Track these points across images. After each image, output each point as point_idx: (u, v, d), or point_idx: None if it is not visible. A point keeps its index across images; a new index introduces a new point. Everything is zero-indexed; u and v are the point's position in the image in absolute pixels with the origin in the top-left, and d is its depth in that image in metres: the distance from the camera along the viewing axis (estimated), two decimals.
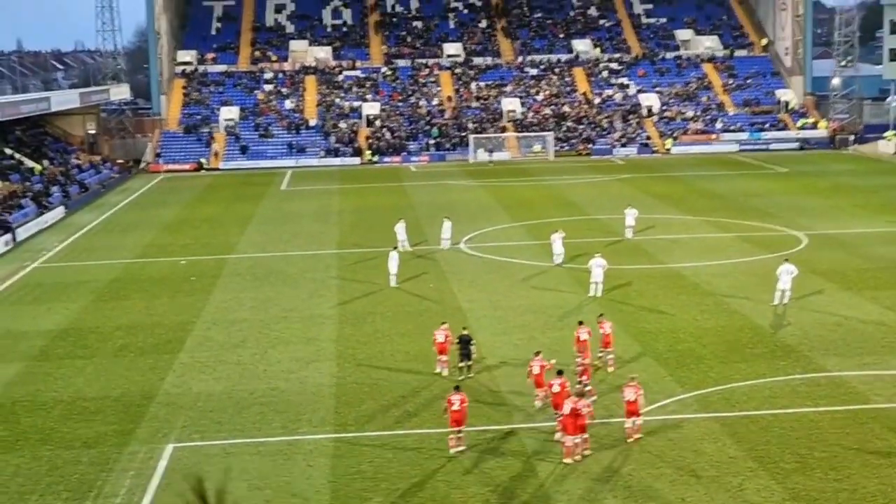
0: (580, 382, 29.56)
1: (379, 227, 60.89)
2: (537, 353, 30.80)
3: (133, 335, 39.59)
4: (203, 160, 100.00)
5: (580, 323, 33.59)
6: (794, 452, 26.36)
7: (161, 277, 50.25)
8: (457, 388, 28.01)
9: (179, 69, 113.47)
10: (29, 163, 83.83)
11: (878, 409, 29.40)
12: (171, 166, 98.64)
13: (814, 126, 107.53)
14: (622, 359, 34.31)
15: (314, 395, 31.81)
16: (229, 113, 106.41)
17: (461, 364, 32.98)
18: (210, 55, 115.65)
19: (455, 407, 26.77)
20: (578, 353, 32.15)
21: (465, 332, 33.54)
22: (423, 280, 47.34)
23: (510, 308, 41.85)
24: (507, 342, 36.84)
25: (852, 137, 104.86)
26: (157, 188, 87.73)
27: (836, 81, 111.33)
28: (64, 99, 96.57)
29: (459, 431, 26.96)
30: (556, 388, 27.91)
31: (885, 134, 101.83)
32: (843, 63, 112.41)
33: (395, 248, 49.19)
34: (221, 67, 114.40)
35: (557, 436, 27.05)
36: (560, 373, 28.65)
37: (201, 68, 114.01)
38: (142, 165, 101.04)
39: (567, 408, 26.18)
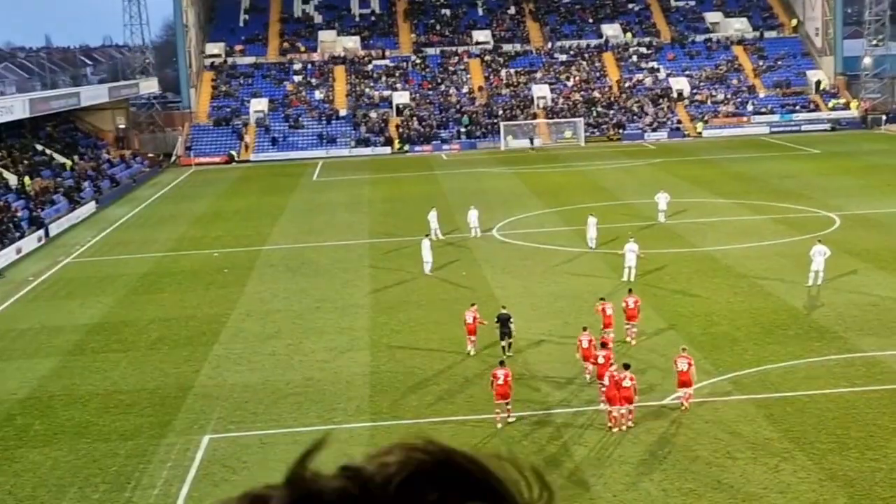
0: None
1: (411, 216, 60.94)
2: (585, 329, 31.82)
3: (167, 328, 39.85)
4: (234, 152, 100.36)
5: (602, 299, 35.01)
6: (830, 433, 26.25)
7: (194, 270, 50.52)
8: (501, 363, 29.19)
9: (208, 62, 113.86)
10: (60, 158, 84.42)
11: None
12: (201, 159, 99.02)
13: (845, 106, 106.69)
14: (656, 344, 34.24)
15: (349, 384, 31.93)
16: (259, 105, 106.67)
17: (502, 342, 33.79)
18: (238, 47, 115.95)
19: (500, 381, 27.70)
20: (604, 328, 33.41)
21: (505, 311, 34.36)
22: (456, 268, 47.38)
23: (543, 294, 41.83)
24: (541, 328, 36.81)
25: (884, 117, 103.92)
26: (188, 181, 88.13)
27: (867, 61, 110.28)
28: (93, 94, 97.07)
29: (507, 404, 27.95)
30: (600, 360, 29.16)
31: None
32: (874, 42, 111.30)
33: (428, 235, 49.36)
34: (250, 59, 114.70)
35: (602, 406, 28.09)
36: (604, 345, 30.15)
37: (230, 60, 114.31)
38: (172, 159, 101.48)
39: (607, 379, 27.60)
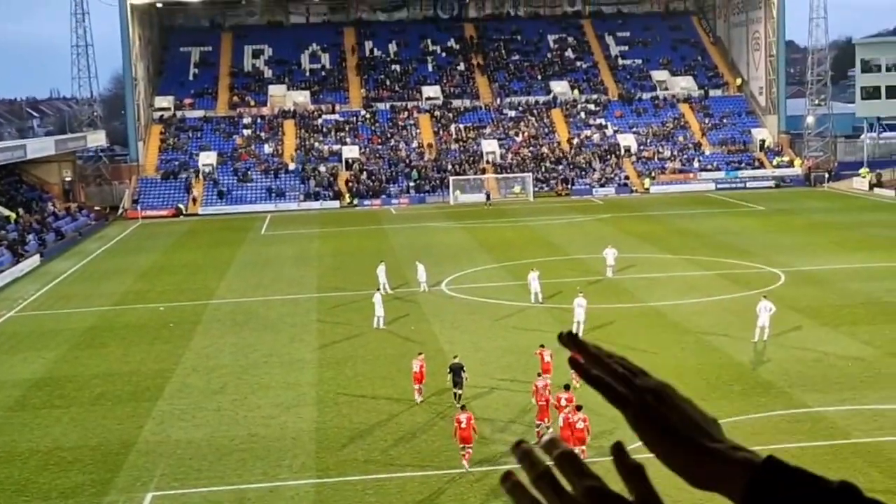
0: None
1: (359, 270, 60.82)
2: (539, 374, 32.86)
3: (111, 383, 39.32)
4: (181, 206, 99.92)
5: (542, 346, 35.56)
6: None
7: (139, 324, 50.00)
8: (463, 408, 29.86)
9: (157, 115, 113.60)
10: (4, 211, 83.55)
11: (859, 443, 29.44)
12: (148, 212, 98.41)
13: (789, 164, 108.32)
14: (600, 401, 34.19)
15: (295, 441, 31.63)
16: (208, 158, 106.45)
17: (454, 391, 34.36)
18: (188, 100, 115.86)
19: (463, 425, 28.44)
20: (542, 373, 33.62)
21: (456, 360, 35.04)
22: (405, 322, 47.26)
23: (492, 349, 41.79)
24: (489, 383, 36.73)
25: (827, 175, 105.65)
26: (135, 234, 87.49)
27: (810, 120, 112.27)
28: (40, 146, 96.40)
29: (467, 448, 28.52)
30: (563, 402, 29.74)
31: (860, 171, 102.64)
32: (816, 102, 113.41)
33: (379, 290, 49.36)
34: (199, 113, 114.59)
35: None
36: (567, 387, 30.38)
37: (179, 114, 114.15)
38: (119, 212, 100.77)
39: (561, 420, 28.59)
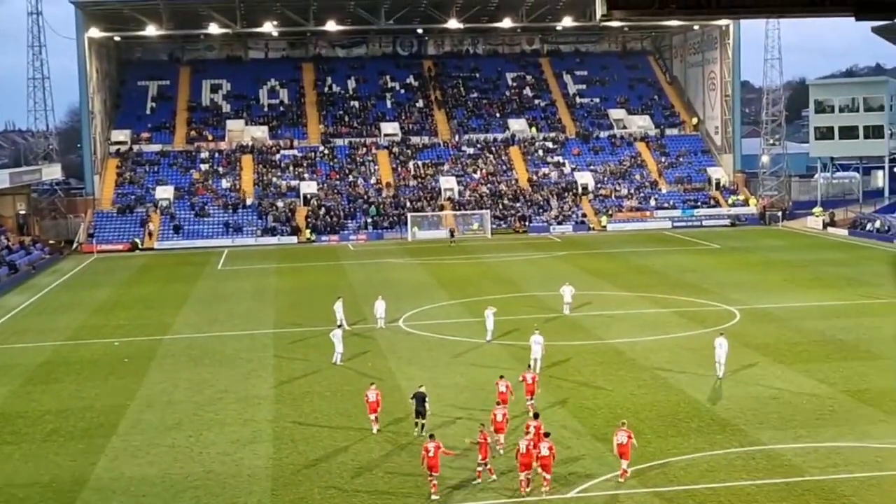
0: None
1: (317, 305, 60.64)
2: (498, 403, 34.04)
3: (64, 419, 38.85)
4: (137, 240, 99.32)
5: (501, 377, 36.04)
6: None
7: (93, 360, 49.50)
8: (431, 437, 29.99)
9: (113, 149, 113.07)
10: None
11: (813, 480, 29.59)
12: (104, 246, 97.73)
13: (744, 203, 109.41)
14: (560, 436, 34.25)
15: (250, 478, 31.36)
16: (164, 192, 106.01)
17: (417, 420, 34.97)
18: (145, 134, 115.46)
19: (430, 454, 28.92)
20: (498, 404, 34.54)
21: (421, 389, 35.40)
22: (363, 359, 47.10)
23: (449, 386, 41.70)
24: (445, 419, 36.63)
25: (781, 214, 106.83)
26: (90, 269, 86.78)
27: (764, 159, 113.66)
28: None
29: (435, 478, 28.93)
30: (530, 432, 30.37)
31: (814, 210, 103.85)
32: (771, 141, 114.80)
33: (340, 326, 49.24)
34: (156, 147, 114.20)
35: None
36: (536, 416, 32.03)
37: (136, 148, 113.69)
38: (74, 246, 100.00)
39: (523, 446, 29.15)
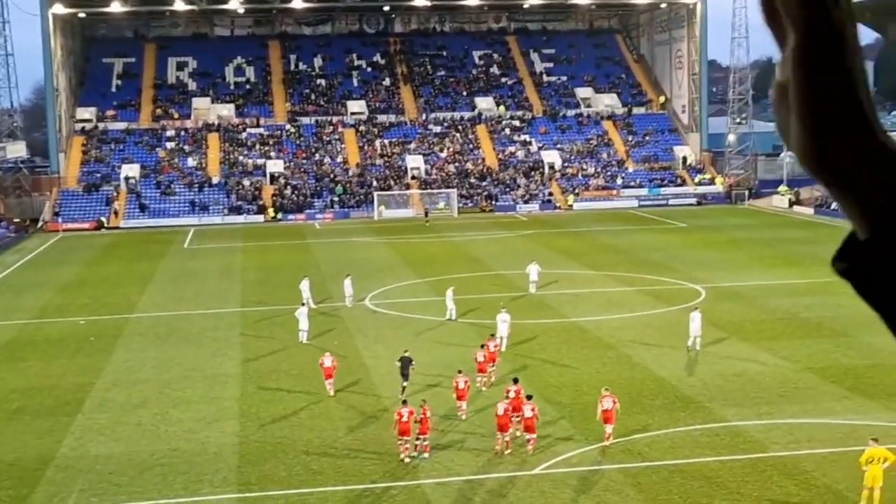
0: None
1: (283, 284, 60.56)
2: (460, 371, 35.38)
3: (29, 398, 38.70)
4: (103, 219, 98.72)
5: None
6: (695, 502, 26.69)
7: (59, 338, 49.27)
8: (404, 402, 31.61)
9: (78, 126, 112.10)
10: None
11: (776, 456, 29.94)
12: (69, 225, 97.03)
13: (711, 182, 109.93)
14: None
15: (216, 455, 31.39)
16: (130, 171, 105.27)
17: (403, 383, 36.80)
18: (110, 112, 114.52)
19: (404, 419, 30.12)
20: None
21: (407, 354, 37.80)
22: (329, 337, 47.11)
23: (416, 363, 41.75)
24: (413, 399, 36.72)
25: (747, 192, 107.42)
26: (55, 247, 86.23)
27: (731, 138, 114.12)
28: None
29: (406, 441, 30.14)
30: (511, 394, 32.20)
31: (779, 188, 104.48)
32: (737, 120, 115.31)
33: (304, 304, 49.24)
34: (122, 125, 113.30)
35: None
36: (516, 380, 33.66)
37: (101, 126, 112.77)
38: (39, 224, 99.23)
39: (501, 408, 30.86)
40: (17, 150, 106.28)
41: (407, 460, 29.82)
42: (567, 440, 31.74)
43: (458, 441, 31.82)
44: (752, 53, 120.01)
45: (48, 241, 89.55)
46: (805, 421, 33.28)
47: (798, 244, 74.66)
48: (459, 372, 35.04)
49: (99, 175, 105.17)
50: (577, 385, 38.04)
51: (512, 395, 32.22)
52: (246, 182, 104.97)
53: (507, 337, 43.46)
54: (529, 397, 31.66)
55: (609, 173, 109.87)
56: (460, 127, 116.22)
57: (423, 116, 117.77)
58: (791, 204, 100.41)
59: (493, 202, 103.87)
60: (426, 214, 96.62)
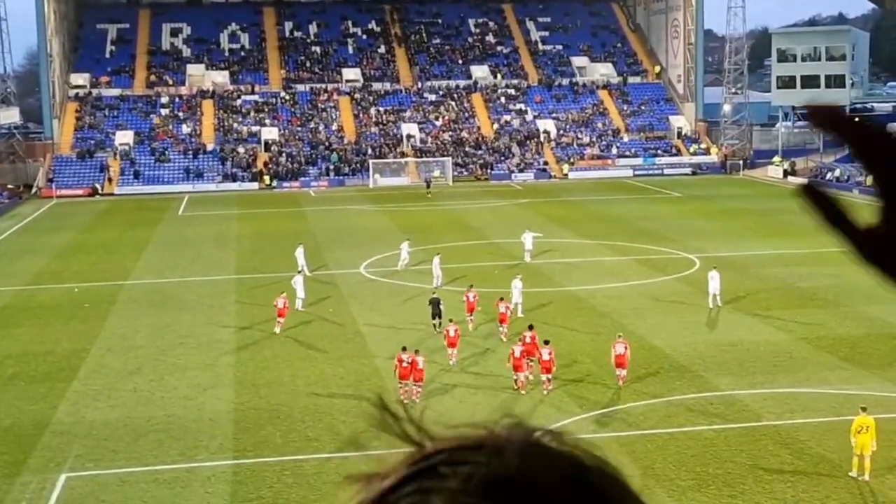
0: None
1: (278, 252, 60.48)
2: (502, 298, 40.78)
3: (24, 363, 38.69)
4: (97, 185, 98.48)
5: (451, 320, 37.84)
6: (689, 470, 26.80)
7: (54, 304, 49.23)
8: (404, 349, 33.40)
9: (72, 92, 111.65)
10: None
11: (770, 426, 30.04)
12: (63, 191, 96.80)
13: (706, 152, 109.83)
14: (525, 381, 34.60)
15: (212, 422, 31.44)
16: (124, 137, 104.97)
17: (433, 321, 40.75)
18: (104, 78, 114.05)
19: (404, 364, 32.47)
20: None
21: (435, 296, 42.31)
22: (324, 305, 47.12)
23: (411, 331, 41.82)
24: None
25: (742, 162, 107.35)
26: (49, 214, 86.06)
27: (726, 108, 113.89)
28: None
29: (406, 385, 32.46)
30: (527, 339, 34.76)
31: (774, 159, 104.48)
32: (733, 90, 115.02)
33: (300, 272, 49.23)
34: (116, 91, 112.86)
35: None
36: (531, 327, 36.11)
37: (95, 92, 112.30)
38: (33, 190, 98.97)
39: (517, 351, 33.44)
40: (11, 115, 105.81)
41: (406, 400, 31.38)
42: (561, 409, 31.82)
43: (452, 405, 31.87)
44: (748, 23, 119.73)
45: (42, 208, 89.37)
46: (799, 390, 33.39)
47: (793, 214, 74.25)
48: (451, 321, 38.16)
49: (93, 141, 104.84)
50: (571, 353, 38.06)
51: (528, 340, 34.59)
52: (240, 149, 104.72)
53: (521, 304, 43.84)
54: (546, 342, 33.74)
55: (604, 143, 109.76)
56: (455, 95, 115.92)
57: (419, 84, 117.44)
58: (786, 174, 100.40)
59: (489, 171, 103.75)
60: (428, 186, 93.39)
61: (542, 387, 33.24)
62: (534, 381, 33.89)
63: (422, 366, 32.89)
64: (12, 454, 29.13)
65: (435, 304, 41.21)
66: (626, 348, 33.98)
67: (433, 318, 40.89)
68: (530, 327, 36.17)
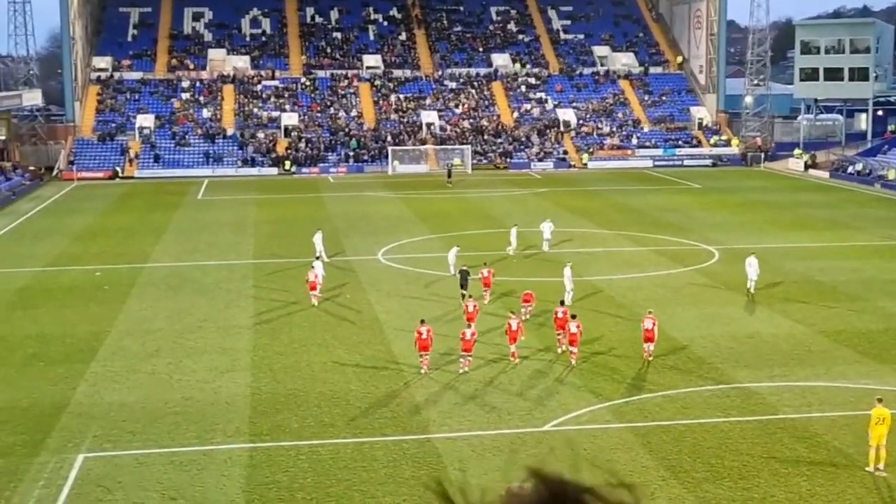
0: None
1: (296, 237, 60.62)
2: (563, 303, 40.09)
3: (44, 344, 38.92)
4: (118, 168, 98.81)
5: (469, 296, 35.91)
6: (705, 462, 26.78)
7: (73, 286, 49.48)
8: (422, 322, 34.96)
9: (94, 75, 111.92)
10: None
11: (787, 419, 29.98)
12: (84, 174, 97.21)
13: (726, 143, 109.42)
14: (539, 371, 34.59)
15: (229, 405, 31.57)
16: (145, 121, 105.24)
17: (462, 291, 43.34)
18: (126, 62, 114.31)
19: (423, 336, 34.02)
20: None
21: (465, 268, 44.76)
22: (341, 291, 47.21)
23: (428, 319, 41.79)
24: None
25: (763, 155, 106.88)
26: (70, 196, 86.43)
27: (748, 100, 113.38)
28: None
29: (425, 356, 34.23)
30: (559, 315, 37.05)
31: (795, 151, 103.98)
32: (755, 82, 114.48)
33: (318, 258, 49.31)
34: (137, 75, 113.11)
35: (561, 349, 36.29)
36: (562, 302, 39.45)
37: (117, 75, 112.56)
38: (54, 173, 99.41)
39: (514, 324, 35.72)
40: (33, 97, 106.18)
41: (425, 370, 33.87)
42: (578, 398, 31.83)
43: (471, 396, 31.93)
44: (771, 14, 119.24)
45: (63, 190, 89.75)
46: (817, 384, 33.31)
47: (813, 207, 74.43)
48: (470, 297, 41.43)
49: (114, 124, 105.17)
50: (589, 343, 38.02)
51: (560, 314, 36.76)
52: (260, 134, 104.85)
53: (572, 291, 43.87)
54: (574, 316, 35.71)
55: (624, 133, 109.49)
56: (476, 83, 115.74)
57: (439, 72, 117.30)
58: (807, 167, 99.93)
59: (508, 159, 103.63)
60: (449, 175, 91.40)
61: (570, 357, 35.08)
62: (562, 357, 35.87)
63: (426, 336, 34.31)
64: (31, 434, 29.31)
65: (464, 274, 43.93)
66: (654, 324, 35.44)
67: (461, 287, 43.61)
68: (562, 303, 39.23)
